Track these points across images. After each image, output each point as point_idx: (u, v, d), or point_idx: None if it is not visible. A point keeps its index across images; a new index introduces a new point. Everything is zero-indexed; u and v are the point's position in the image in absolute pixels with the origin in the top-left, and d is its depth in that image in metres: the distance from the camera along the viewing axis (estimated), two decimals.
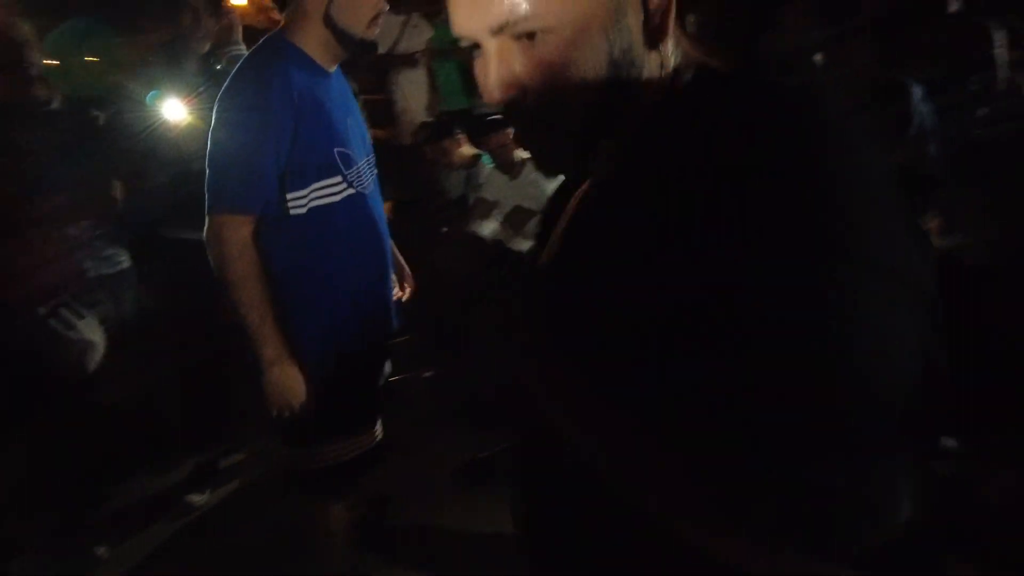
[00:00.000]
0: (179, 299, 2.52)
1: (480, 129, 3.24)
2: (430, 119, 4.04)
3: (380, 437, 1.79)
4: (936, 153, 2.49)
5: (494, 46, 0.58)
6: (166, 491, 2.68)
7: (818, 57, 2.76)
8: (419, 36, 4.04)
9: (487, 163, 3.35)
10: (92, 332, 2.25)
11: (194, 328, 2.61)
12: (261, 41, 1.57)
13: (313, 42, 1.55)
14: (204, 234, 1.51)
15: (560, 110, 0.58)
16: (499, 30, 0.57)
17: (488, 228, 3.18)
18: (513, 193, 3.08)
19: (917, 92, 2.46)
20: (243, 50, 2.47)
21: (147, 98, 2.25)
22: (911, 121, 2.43)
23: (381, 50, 3.91)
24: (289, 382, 1.53)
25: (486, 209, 3.26)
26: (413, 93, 4.10)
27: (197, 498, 2.64)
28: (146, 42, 2.36)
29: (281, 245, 1.53)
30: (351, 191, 1.58)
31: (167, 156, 2.28)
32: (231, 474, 2.77)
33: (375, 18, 1.58)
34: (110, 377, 2.46)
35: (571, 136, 0.60)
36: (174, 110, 2.26)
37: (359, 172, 1.63)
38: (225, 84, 1.53)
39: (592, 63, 0.57)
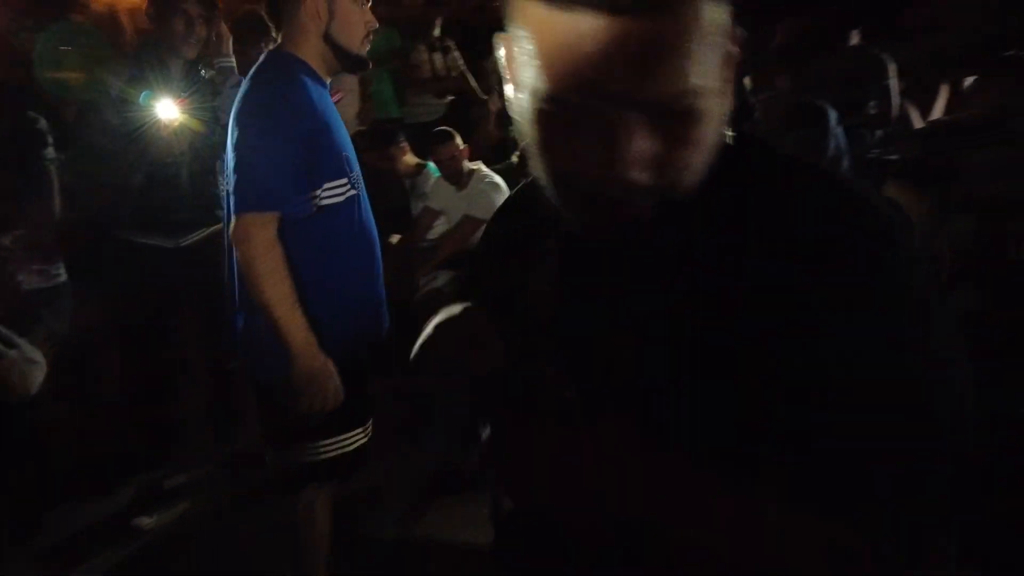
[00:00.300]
0: (131, 306, 2.43)
1: (428, 139, 3.29)
2: (363, 127, 4.03)
3: (371, 431, 1.86)
4: (849, 172, 2.79)
5: (632, 118, 0.52)
6: (110, 516, 2.53)
7: (747, 80, 3.01)
8: None
9: (433, 172, 3.40)
10: (34, 351, 2.11)
11: (144, 338, 2.50)
12: (267, 55, 1.68)
13: (313, 56, 1.66)
14: (231, 233, 1.58)
15: (676, 183, 0.56)
16: (654, 104, 0.52)
17: (435, 235, 3.25)
18: (461, 203, 3.15)
19: (833, 116, 2.75)
20: (232, 62, 2.53)
21: (140, 98, 2.18)
22: (829, 143, 2.71)
23: None
24: (320, 371, 1.58)
25: (432, 218, 3.31)
26: (345, 101, 4.07)
27: (145, 521, 2.52)
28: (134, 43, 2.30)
29: (297, 243, 1.61)
30: (353, 192, 1.69)
31: (141, 158, 2.23)
32: (179, 495, 2.66)
33: (367, 36, 1.71)
34: (45, 396, 2.32)
35: (667, 206, 0.57)
36: (158, 112, 2.22)
37: (357, 175, 1.74)
38: (243, 93, 1.61)
39: (713, 134, 0.56)
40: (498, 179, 3.09)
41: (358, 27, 1.66)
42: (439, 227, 3.33)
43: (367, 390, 1.83)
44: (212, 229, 2.48)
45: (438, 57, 4.45)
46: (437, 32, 4.53)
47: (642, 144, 0.53)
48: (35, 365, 2.10)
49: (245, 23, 2.75)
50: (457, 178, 3.16)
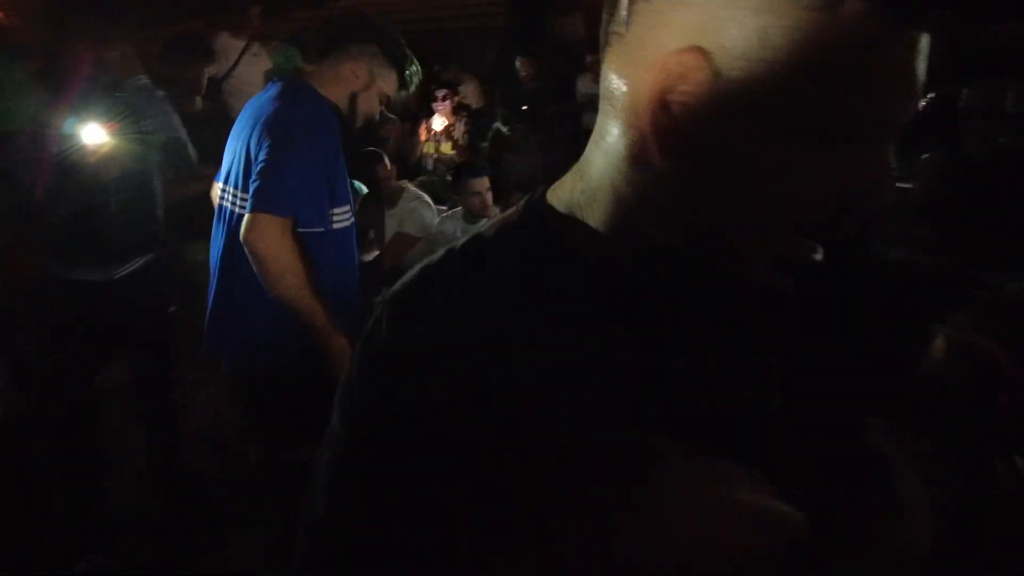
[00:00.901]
0: (60, 344, 2.29)
1: (357, 160, 3.31)
2: None
3: None
4: None
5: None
6: (46, 565, 2.36)
7: None
8: (256, 65, 3.97)
9: (359, 190, 3.42)
10: None
11: (72, 376, 2.36)
12: (298, 83, 1.80)
13: (335, 100, 1.80)
14: (245, 233, 1.65)
15: None
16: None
17: (366, 251, 3.28)
18: (392, 221, 3.21)
19: None
20: (147, 80, 2.47)
21: (63, 126, 2.07)
22: None
23: (217, 74, 3.77)
24: (345, 344, 1.75)
25: (362, 233, 3.34)
26: None
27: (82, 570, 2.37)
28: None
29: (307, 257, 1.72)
30: (352, 220, 1.85)
31: (65, 187, 2.12)
32: (117, 539, 2.52)
33: (369, 117, 1.91)
34: None
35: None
36: (82, 137, 2.11)
37: (353, 208, 1.89)
38: (277, 108, 1.72)
39: None
40: (427, 197, 3.18)
41: (372, 108, 1.87)
42: (369, 236, 3.36)
43: None
44: (147, 258, 2.39)
45: None
46: None
47: None
48: None
49: (181, 44, 2.68)
50: (389, 197, 3.22)
